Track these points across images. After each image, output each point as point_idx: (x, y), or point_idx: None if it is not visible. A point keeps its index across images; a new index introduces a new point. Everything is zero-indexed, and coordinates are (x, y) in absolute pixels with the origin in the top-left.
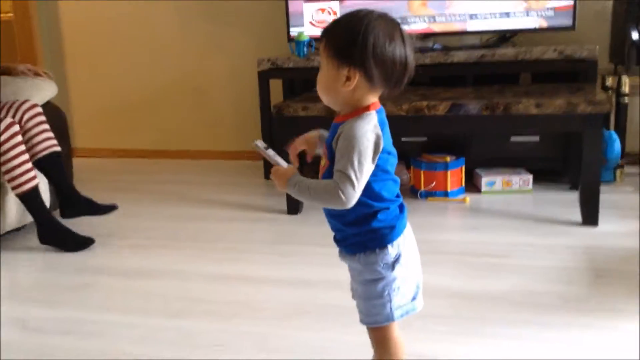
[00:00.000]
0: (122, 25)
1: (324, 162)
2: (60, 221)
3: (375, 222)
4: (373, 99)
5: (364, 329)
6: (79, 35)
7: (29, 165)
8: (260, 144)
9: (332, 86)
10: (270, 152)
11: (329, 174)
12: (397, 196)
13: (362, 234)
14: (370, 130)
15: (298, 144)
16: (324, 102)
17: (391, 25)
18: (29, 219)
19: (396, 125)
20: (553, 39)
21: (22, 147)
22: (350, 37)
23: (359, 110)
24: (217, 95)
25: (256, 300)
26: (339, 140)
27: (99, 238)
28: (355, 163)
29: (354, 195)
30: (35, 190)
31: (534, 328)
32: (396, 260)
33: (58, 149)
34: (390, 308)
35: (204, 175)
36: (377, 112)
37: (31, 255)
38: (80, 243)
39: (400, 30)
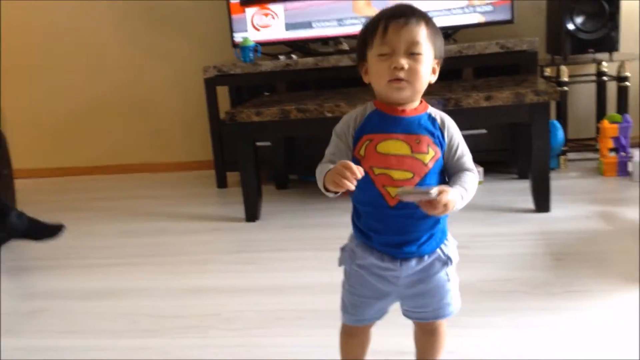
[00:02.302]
0: (56, 36)
1: (433, 154)
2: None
3: None
4: None
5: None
6: (11, 50)
7: None
8: (403, 192)
9: (426, 77)
10: (417, 190)
11: (440, 164)
12: None
13: (443, 221)
14: None
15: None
16: (405, 96)
17: None
18: None
19: None
20: (491, 33)
21: None
22: (439, 30)
23: (423, 101)
24: (161, 105)
25: (228, 311)
26: (447, 130)
27: (49, 261)
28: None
29: None
30: None
31: (506, 315)
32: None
33: None
34: None
35: (154, 188)
36: None
37: None
38: (52, 231)
39: None
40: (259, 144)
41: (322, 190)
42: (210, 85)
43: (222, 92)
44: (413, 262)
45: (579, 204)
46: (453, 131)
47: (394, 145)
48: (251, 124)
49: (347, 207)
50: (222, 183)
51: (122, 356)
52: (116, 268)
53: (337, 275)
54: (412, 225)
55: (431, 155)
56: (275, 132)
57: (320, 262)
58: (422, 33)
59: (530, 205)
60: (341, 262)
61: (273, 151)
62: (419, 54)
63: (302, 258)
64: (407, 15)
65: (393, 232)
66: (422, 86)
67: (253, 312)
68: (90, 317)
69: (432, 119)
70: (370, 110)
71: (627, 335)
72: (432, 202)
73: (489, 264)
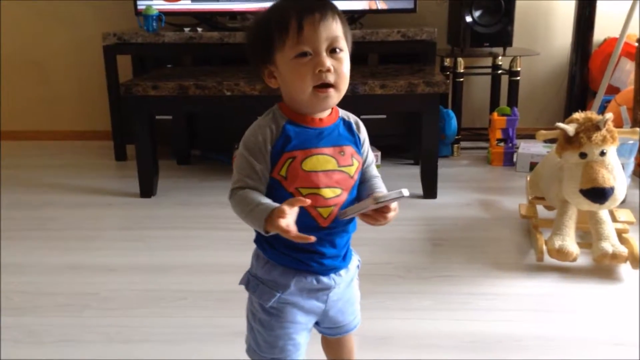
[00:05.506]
0: None
1: (357, 165)
2: None
3: None
4: None
5: (223, 312)
6: None
7: None
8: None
9: (349, 77)
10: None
11: (360, 174)
12: None
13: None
14: None
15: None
16: (331, 104)
17: None
18: None
19: (249, 105)
20: (396, 21)
21: None
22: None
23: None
24: (59, 71)
25: (106, 290)
26: (362, 133)
27: None
28: None
29: None
30: None
31: (375, 298)
32: None
33: None
34: None
35: (47, 157)
36: None
37: None
38: None
39: None
40: (161, 117)
41: (260, 230)
42: (110, 53)
43: (126, 61)
44: (342, 272)
45: (464, 191)
46: (365, 134)
47: (321, 161)
48: (147, 98)
49: None
50: (120, 156)
51: None
52: None
53: (225, 255)
54: (344, 237)
55: (355, 167)
56: (172, 107)
57: (209, 241)
58: (339, 27)
59: (420, 191)
60: (260, 297)
61: (173, 125)
62: (341, 49)
63: (192, 237)
64: (320, 9)
65: (328, 249)
66: (346, 89)
67: (133, 291)
68: None
69: (348, 124)
70: (283, 121)
71: (481, 318)
72: (383, 211)
73: (370, 247)
